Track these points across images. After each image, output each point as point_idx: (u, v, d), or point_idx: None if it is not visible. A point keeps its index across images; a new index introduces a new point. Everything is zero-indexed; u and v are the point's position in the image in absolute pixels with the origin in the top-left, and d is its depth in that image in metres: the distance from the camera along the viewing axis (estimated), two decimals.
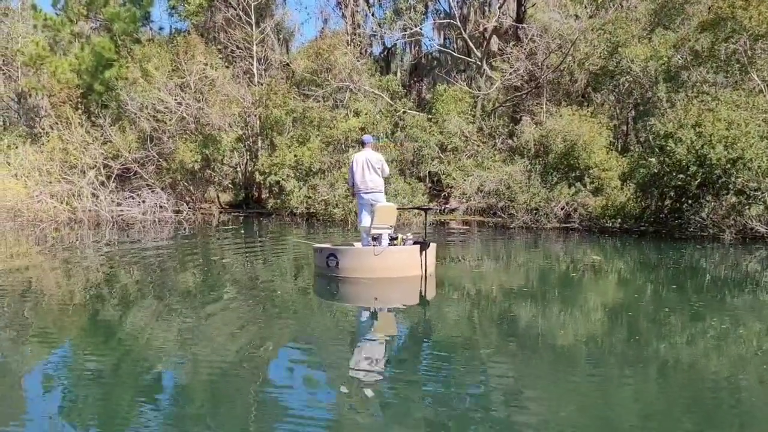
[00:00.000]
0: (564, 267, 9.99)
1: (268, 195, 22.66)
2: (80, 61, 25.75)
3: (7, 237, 14.43)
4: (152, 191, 20.26)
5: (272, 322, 6.04)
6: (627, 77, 18.70)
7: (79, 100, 23.50)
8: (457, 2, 26.03)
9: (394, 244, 8.23)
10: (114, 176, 20.42)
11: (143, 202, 19.82)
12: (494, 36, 25.32)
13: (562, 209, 16.30)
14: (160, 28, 29.90)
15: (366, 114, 20.67)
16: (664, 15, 19.22)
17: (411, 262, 8.04)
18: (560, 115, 18.15)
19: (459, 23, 24.72)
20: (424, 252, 8.06)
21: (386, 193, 8.95)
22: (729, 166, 12.60)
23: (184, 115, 20.69)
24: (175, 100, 20.64)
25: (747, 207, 12.60)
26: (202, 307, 6.63)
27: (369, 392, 4.05)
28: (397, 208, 8.92)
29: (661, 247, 11.91)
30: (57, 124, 20.73)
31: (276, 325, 5.95)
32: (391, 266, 7.97)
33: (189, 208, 21.16)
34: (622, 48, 18.32)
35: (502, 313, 6.58)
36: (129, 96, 20.85)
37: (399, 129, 21.14)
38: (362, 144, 8.52)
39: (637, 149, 18.38)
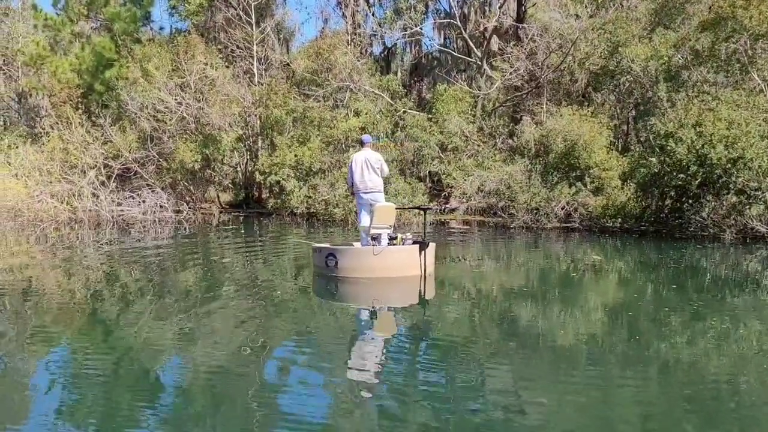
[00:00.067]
0: (564, 267, 9.98)
1: (268, 195, 22.66)
2: (81, 60, 25.76)
3: (7, 237, 14.44)
4: (152, 191, 20.26)
5: (272, 322, 6.03)
6: (627, 77, 18.68)
7: (79, 99, 23.54)
8: (458, 2, 26.02)
9: (394, 244, 8.22)
10: (114, 176, 20.43)
11: (143, 201, 19.83)
12: (494, 36, 25.30)
13: (562, 209, 16.29)
14: (161, 28, 29.96)
15: (366, 114, 20.67)
16: (664, 14, 19.21)
17: (410, 261, 8.03)
18: (561, 115, 18.14)
19: (459, 23, 24.71)
20: (423, 252, 8.05)
21: (386, 193, 8.95)
22: (729, 165, 12.59)
23: (185, 114, 20.69)
24: (176, 99, 20.65)
25: (747, 207, 12.59)
26: (202, 307, 6.63)
27: (368, 392, 4.05)
28: (397, 208, 8.91)
29: (661, 247, 11.91)
30: (57, 123, 20.74)
31: (275, 325, 5.95)
32: (390, 266, 7.96)
33: (189, 207, 21.17)
34: (622, 48, 18.31)
35: (502, 313, 6.58)
36: (129, 96, 20.86)
37: (399, 129, 21.14)
38: (361, 144, 8.52)
39: (637, 149, 18.37)
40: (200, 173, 21.78)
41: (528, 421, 3.60)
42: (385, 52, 30.39)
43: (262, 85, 22.78)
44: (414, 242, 8.32)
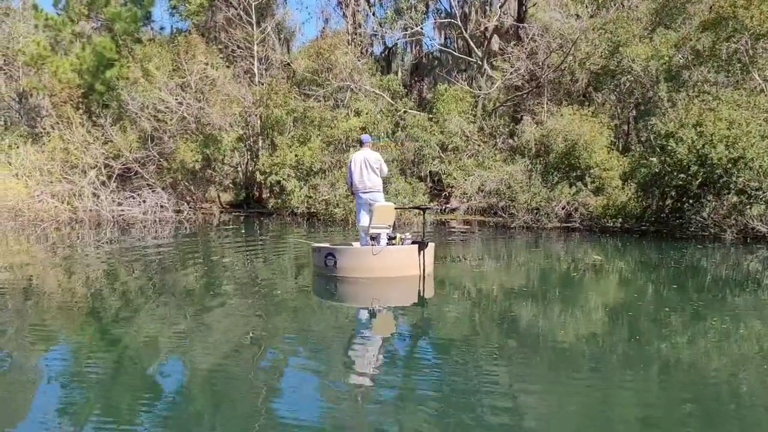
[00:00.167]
0: (565, 267, 9.97)
1: (268, 195, 22.67)
2: (81, 60, 25.78)
3: (8, 237, 14.45)
4: (153, 191, 20.26)
5: (271, 322, 6.02)
6: (628, 77, 18.66)
7: (80, 99, 23.57)
8: (458, 2, 26.00)
9: (393, 244, 8.22)
10: (115, 176, 20.43)
11: (144, 201, 19.83)
12: (495, 35, 25.29)
13: (563, 209, 16.27)
14: (161, 28, 29.97)
15: (367, 114, 20.67)
16: (665, 14, 19.19)
17: (409, 261, 8.02)
18: (561, 115, 18.13)
19: (460, 23, 24.70)
20: (422, 252, 8.04)
21: (387, 193, 8.95)
22: (730, 165, 12.57)
23: (185, 114, 20.69)
24: (176, 99, 20.64)
25: (748, 207, 12.58)
26: (202, 306, 6.63)
27: (367, 393, 4.04)
28: (396, 208, 8.91)
29: (662, 247, 11.89)
30: (58, 123, 20.74)
31: (275, 325, 5.94)
32: (390, 266, 7.96)
33: (190, 207, 21.17)
34: (623, 47, 18.29)
35: (503, 312, 6.57)
36: (130, 96, 20.86)
37: (400, 129, 21.15)
38: (361, 143, 8.52)
39: (638, 149, 18.36)
40: (201, 173, 21.78)
41: (528, 421, 3.59)
42: (386, 52, 30.39)
43: (262, 84, 22.78)
44: (413, 242, 8.31)
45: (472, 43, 24.77)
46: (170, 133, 20.84)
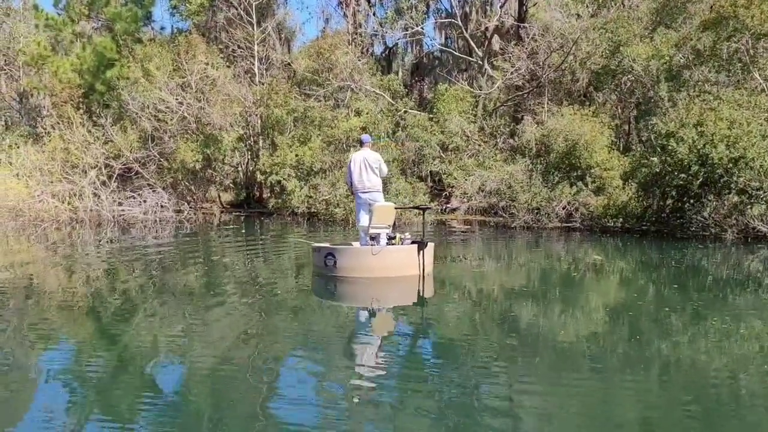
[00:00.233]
0: (565, 267, 9.96)
1: (269, 194, 22.67)
2: (82, 60, 25.79)
3: (8, 237, 14.45)
4: (153, 191, 20.28)
5: (271, 321, 6.02)
6: (629, 76, 18.65)
7: (80, 99, 23.59)
8: (459, 1, 26.01)
9: (392, 244, 8.21)
10: (115, 176, 20.45)
11: (144, 201, 19.84)
12: (496, 35, 25.29)
13: (563, 209, 16.27)
14: (162, 28, 29.98)
15: (367, 113, 20.66)
16: (665, 14, 19.17)
17: (409, 261, 8.01)
18: (562, 115, 18.12)
19: (460, 23, 24.69)
20: (421, 251, 8.04)
21: (387, 193, 8.94)
22: (731, 165, 12.56)
23: (186, 114, 20.70)
24: (177, 99, 20.66)
25: (749, 206, 12.56)
26: (202, 306, 6.62)
27: (366, 393, 4.04)
28: (395, 208, 8.90)
29: (662, 247, 11.88)
30: (58, 123, 20.77)
31: (275, 324, 5.93)
32: (389, 266, 7.95)
33: (190, 207, 21.18)
34: (623, 47, 18.28)
35: (503, 312, 6.56)
36: (130, 96, 20.88)
37: (400, 128, 21.15)
38: (361, 143, 8.52)
39: (638, 149, 18.34)
40: (201, 173, 21.80)
41: (529, 421, 3.58)
42: (386, 52, 30.38)
43: (263, 84, 22.79)
44: (412, 242, 8.31)
45: (472, 43, 24.76)
46: (171, 133, 20.86)
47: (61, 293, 7.57)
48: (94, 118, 21.90)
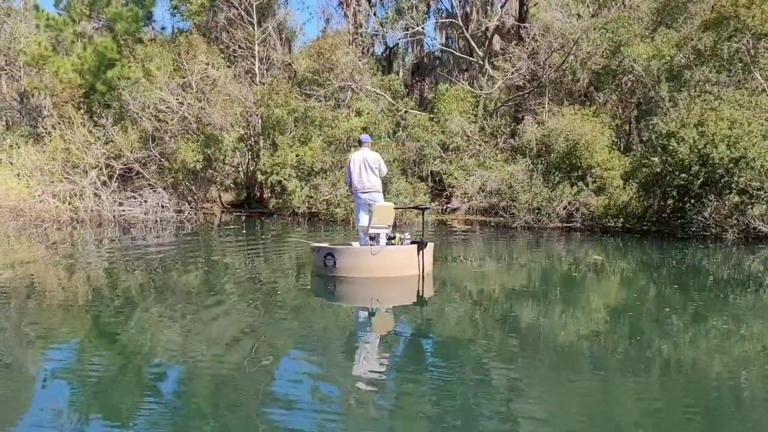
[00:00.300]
0: (566, 267, 9.95)
1: (269, 195, 22.68)
2: (82, 60, 25.82)
3: (9, 237, 14.46)
4: (154, 191, 20.28)
5: (271, 321, 6.02)
6: (629, 76, 18.64)
7: (81, 99, 23.61)
8: (459, 1, 26.01)
9: (392, 244, 8.21)
10: (116, 176, 20.46)
11: (145, 201, 19.85)
12: (496, 35, 25.27)
13: (564, 209, 16.26)
14: (162, 28, 30.03)
15: (368, 113, 20.65)
16: (666, 14, 19.16)
17: (408, 261, 8.01)
18: (562, 115, 18.12)
19: (461, 23, 24.69)
20: (421, 252, 8.03)
21: (387, 193, 8.94)
22: (732, 165, 12.55)
23: (186, 114, 20.71)
24: (177, 99, 20.67)
25: (750, 206, 12.55)
26: (203, 306, 6.62)
27: (366, 393, 4.03)
28: (395, 208, 8.90)
29: (663, 247, 11.87)
30: (59, 123, 20.78)
31: (275, 324, 5.93)
32: (389, 266, 7.95)
33: (191, 207, 21.18)
34: (624, 47, 18.27)
35: (503, 313, 6.55)
36: (131, 96, 20.90)
37: (401, 128, 21.14)
38: (360, 143, 8.51)
39: (639, 149, 18.33)
40: (202, 173, 21.80)
41: (529, 421, 3.58)
42: (387, 52, 30.39)
43: (263, 84, 22.79)
44: (412, 242, 8.30)
45: (473, 43, 24.76)
46: (171, 133, 20.87)
47: (61, 293, 7.57)
48: (95, 118, 21.92)
